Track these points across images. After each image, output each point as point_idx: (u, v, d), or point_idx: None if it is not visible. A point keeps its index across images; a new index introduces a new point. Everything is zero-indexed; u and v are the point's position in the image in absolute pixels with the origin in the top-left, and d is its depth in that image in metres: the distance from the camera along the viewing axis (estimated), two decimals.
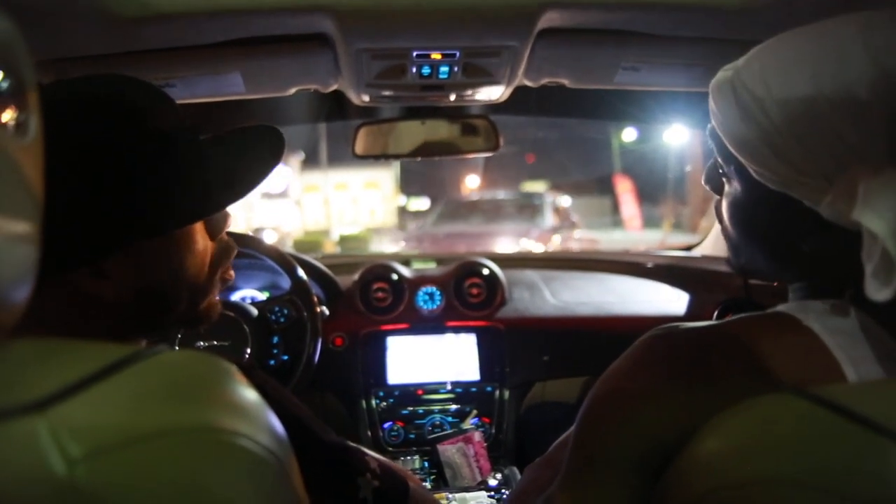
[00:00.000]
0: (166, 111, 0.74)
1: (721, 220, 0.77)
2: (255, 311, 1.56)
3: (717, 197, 0.78)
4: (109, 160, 0.68)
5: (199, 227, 0.78)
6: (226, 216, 0.83)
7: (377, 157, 1.77)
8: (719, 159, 0.73)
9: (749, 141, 0.64)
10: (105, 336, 0.73)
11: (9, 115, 0.37)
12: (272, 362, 1.55)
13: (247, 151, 0.80)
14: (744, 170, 0.68)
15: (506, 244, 8.84)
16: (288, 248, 3.89)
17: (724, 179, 0.75)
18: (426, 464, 1.67)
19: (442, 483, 1.55)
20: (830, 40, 0.60)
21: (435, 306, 1.93)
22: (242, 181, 0.77)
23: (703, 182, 0.79)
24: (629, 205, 17.10)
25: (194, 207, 0.75)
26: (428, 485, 1.58)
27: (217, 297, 0.85)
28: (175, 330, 1.50)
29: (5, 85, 0.37)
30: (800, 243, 0.66)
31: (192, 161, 0.75)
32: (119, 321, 0.74)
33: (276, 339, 1.56)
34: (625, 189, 17.43)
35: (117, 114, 0.70)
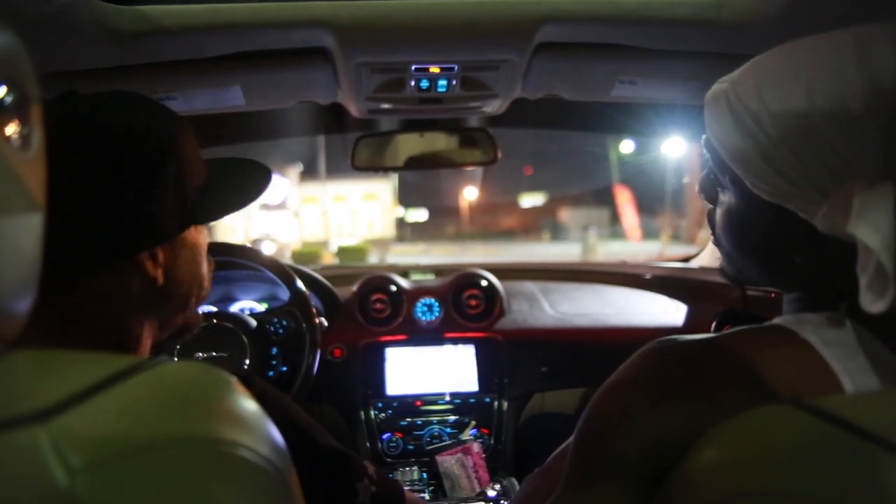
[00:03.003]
0: (170, 123, 0.77)
1: (714, 230, 0.77)
2: (253, 323, 1.56)
3: (711, 206, 0.78)
4: (121, 174, 0.69)
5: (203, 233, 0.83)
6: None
7: (376, 169, 1.78)
8: (714, 169, 0.74)
9: (744, 153, 0.65)
10: (115, 343, 0.73)
11: (13, 129, 0.38)
12: (271, 373, 1.55)
13: (244, 173, 0.86)
14: (739, 180, 0.68)
15: None
16: (286, 259, 3.90)
17: (718, 189, 0.75)
18: (425, 475, 1.67)
19: (440, 494, 1.55)
20: (825, 54, 0.61)
21: (433, 318, 1.93)
22: (243, 195, 0.83)
23: (697, 191, 0.79)
24: (629, 215, 17.06)
25: (200, 213, 0.78)
26: (426, 496, 1.58)
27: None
28: (172, 341, 1.50)
29: (9, 99, 0.38)
30: (793, 255, 0.66)
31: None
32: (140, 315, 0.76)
33: (274, 351, 1.56)
34: (624, 200, 17.39)
35: (124, 130, 0.71)
